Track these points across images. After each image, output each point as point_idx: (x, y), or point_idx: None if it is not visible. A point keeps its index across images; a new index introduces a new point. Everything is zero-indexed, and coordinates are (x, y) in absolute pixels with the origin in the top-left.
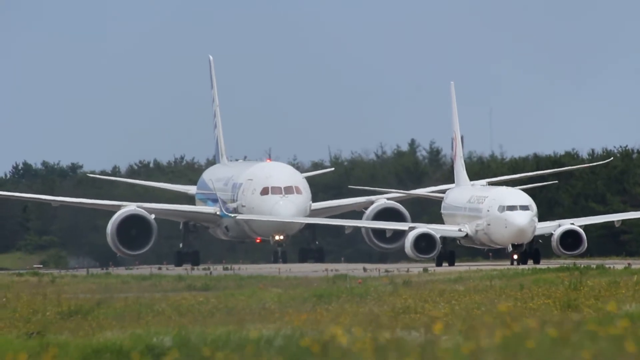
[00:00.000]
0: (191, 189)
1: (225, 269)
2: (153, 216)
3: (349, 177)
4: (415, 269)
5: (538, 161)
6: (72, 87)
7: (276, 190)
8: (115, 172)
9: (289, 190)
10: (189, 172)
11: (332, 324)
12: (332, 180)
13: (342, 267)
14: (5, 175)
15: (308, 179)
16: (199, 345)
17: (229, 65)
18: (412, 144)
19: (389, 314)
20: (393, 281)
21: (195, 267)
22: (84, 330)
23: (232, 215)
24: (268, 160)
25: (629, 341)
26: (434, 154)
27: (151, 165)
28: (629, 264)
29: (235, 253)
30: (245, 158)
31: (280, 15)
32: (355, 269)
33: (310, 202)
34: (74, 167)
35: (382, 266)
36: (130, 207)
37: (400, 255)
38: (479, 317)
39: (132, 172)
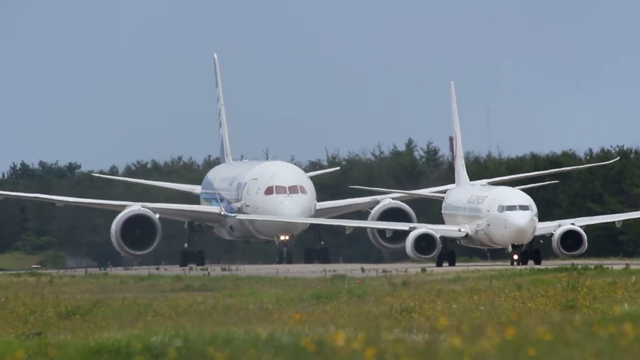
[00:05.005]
0: (196, 189)
1: (224, 269)
2: (157, 216)
3: (347, 177)
4: (414, 269)
5: (536, 161)
6: (70, 87)
7: (281, 189)
8: (113, 172)
9: (293, 189)
10: (187, 172)
11: (330, 325)
12: (330, 180)
13: (341, 268)
14: (3, 175)
15: None
16: (198, 346)
17: (227, 64)
18: (410, 143)
19: (387, 315)
20: (391, 281)
21: (200, 267)
22: (82, 330)
23: (233, 215)
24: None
25: (626, 341)
26: (431, 153)
27: (149, 165)
28: (627, 264)
29: (241, 253)
30: (242, 157)
31: (279, 16)
32: (353, 269)
33: (315, 201)
34: (72, 167)
35: (381, 266)
36: (134, 207)
37: (404, 256)
38: (478, 318)
39: (130, 172)
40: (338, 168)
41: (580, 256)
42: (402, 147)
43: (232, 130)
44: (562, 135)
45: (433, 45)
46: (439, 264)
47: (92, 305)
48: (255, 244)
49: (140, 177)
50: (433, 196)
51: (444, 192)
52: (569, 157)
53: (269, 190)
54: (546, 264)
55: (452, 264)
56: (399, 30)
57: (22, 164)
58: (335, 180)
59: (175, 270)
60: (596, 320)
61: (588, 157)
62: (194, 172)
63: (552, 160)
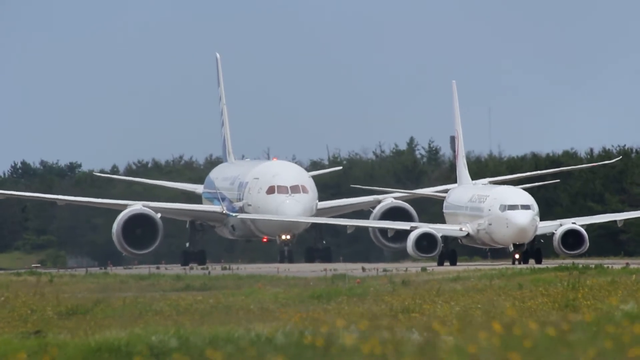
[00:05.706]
0: (198, 188)
1: (224, 268)
2: (159, 215)
3: (348, 177)
4: (414, 268)
5: (537, 160)
6: (71, 86)
7: (282, 189)
8: (114, 171)
9: (295, 189)
10: (188, 171)
11: (331, 323)
12: (332, 180)
13: (341, 267)
14: (4, 174)
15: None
16: (198, 345)
17: (229, 63)
18: (411, 143)
19: (388, 314)
20: (392, 281)
21: (201, 266)
22: (82, 329)
23: (234, 214)
24: (274, 159)
25: (628, 340)
26: (433, 152)
27: (150, 164)
28: (627, 263)
29: (242, 252)
30: (243, 157)
31: (281, 15)
32: (354, 268)
33: (317, 201)
34: (72, 167)
35: (381, 265)
36: (136, 206)
37: (406, 255)
38: (478, 316)
39: (130, 172)
40: (339, 167)
41: (581, 255)
42: (403, 147)
43: (233, 130)
44: (563, 135)
45: (435, 44)
46: (440, 263)
47: (93, 304)
48: (257, 243)
49: (141, 176)
50: (434, 195)
51: (446, 191)
52: (570, 157)
53: (270, 190)
54: (547, 263)
55: (453, 263)
56: (400, 30)
57: (23, 163)
58: (337, 179)
59: (176, 269)
60: (595, 319)
61: (589, 157)
62: (195, 172)
63: (553, 160)
